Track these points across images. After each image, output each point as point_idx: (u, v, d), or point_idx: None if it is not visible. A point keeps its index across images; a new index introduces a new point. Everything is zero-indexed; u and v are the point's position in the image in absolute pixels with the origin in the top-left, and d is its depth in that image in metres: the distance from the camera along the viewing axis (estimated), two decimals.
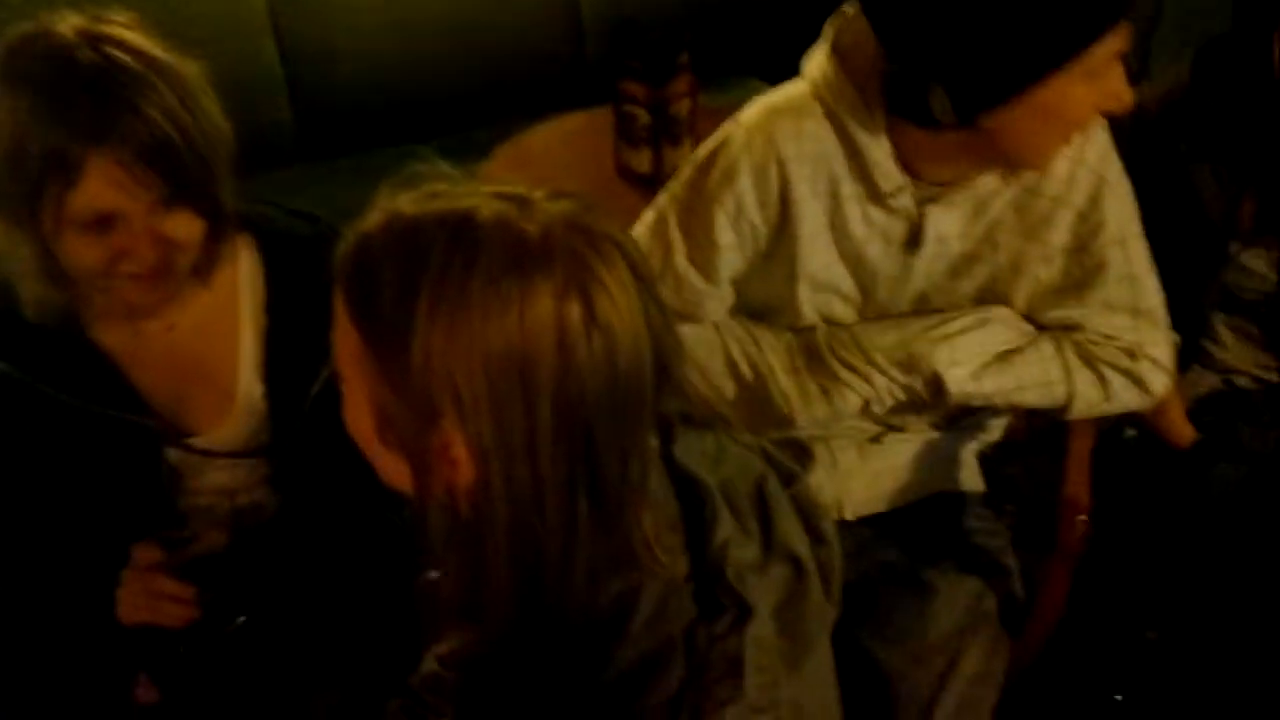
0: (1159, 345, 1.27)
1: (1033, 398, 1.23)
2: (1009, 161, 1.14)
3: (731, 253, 1.22)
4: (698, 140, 1.87)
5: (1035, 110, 1.05)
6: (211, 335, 1.13)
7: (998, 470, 1.51)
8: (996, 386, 1.21)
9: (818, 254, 1.21)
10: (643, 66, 1.87)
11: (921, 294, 1.26)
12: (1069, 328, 1.27)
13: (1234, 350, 1.49)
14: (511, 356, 0.68)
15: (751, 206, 1.19)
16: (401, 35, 2.50)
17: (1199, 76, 1.36)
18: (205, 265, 1.08)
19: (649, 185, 1.90)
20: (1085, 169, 1.20)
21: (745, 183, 1.18)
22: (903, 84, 1.07)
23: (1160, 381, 1.26)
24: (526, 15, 2.60)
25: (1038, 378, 1.22)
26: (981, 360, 1.20)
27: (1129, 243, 1.24)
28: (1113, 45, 1.02)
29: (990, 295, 1.25)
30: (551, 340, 0.68)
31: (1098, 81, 1.04)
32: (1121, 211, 1.23)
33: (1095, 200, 1.21)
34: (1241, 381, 1.50)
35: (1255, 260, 1.40)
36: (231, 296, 1.14)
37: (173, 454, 1.11)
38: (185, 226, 1.02)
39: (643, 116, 1.88)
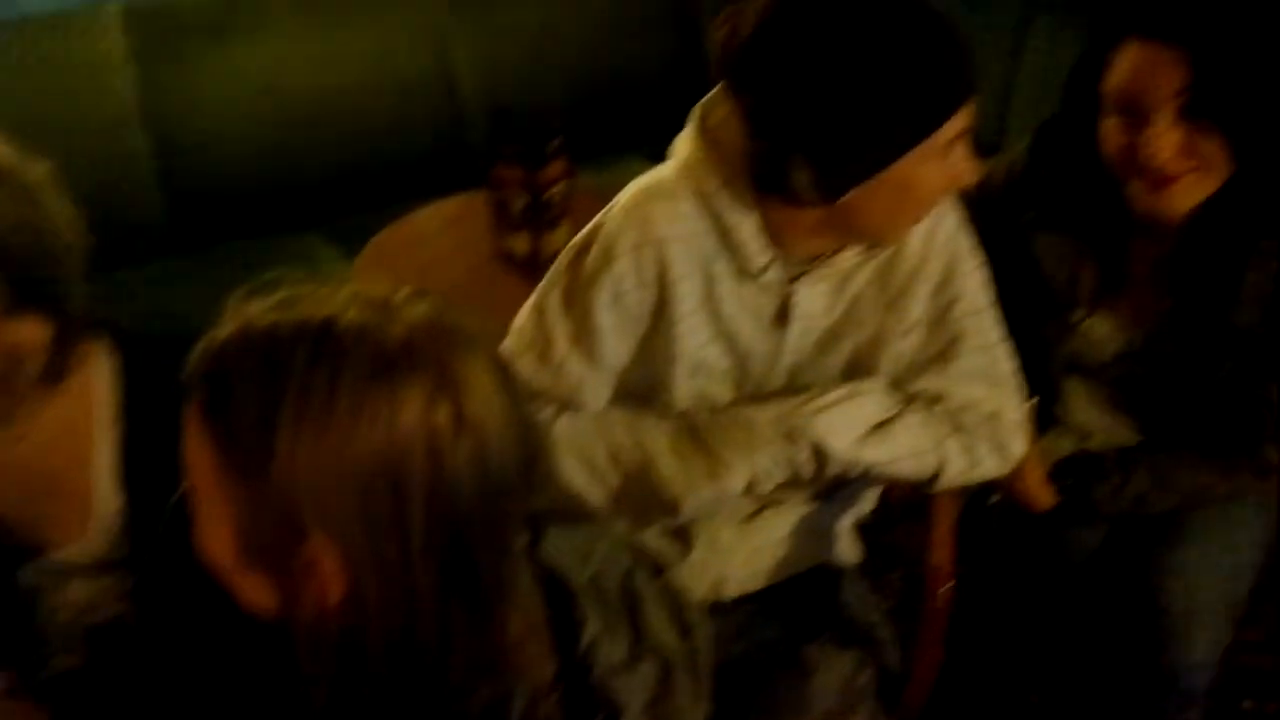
0: (1016, 411, 1.32)
1: (907, 469, 1.26)
2: (868, 236, 1.19)
3: (612, 336, 1.23)
4: (576, 223, 1.90)
5: (890, 187, 1.10)
6: (66, 444, 1.09)
7: (880, 538, 1.55)
8: (875, 457, 1.23)
9: (694, 333, 1.23)
10: (517, 152, 1.90)
11: (793, 370, 1.29)
12: (934, 397, 1.31)
13: (1086, 413, 1.55)
14: (381, 467, 0.67)
15: (630, 289, 1.20)
16: (277, 121, 2.48)
17: (1037, 153, 1.43)
18: (55, 371, 1.04)
19: (528, 269, 1.92)
20: (939, 244, 1.26)
21: (623, 265, 1.19)
22: (767, 162, 1.11)
23: (1019, 446, 1.31)
24: (404, 99, 2.60)
25: (910, 447, 1.25)
26: (859, 430, 1.23)
27: (983, 314, 1.30)
28: (958, 125, 1.09)
29: (857, 368, 1.29)
30: (421, 447, 0.67)
31: (945, 159, 1.11)
32: (975, 284, 1.29)
33: (949, 274, 1.27)
34: (1095, 444, 1.55)
35: (1098, 326, 1.46)
36: (86, 403, 1.09)
37: (29, 570, 1.07)
38: (31, 331, 0.99)
39: (518, 201, 1.91)
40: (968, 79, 1.08)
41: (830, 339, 1.27)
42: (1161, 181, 1.27)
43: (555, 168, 1.90)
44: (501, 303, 1.53)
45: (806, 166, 1.08)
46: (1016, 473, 1.35)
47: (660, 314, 1.22)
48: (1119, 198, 1.35)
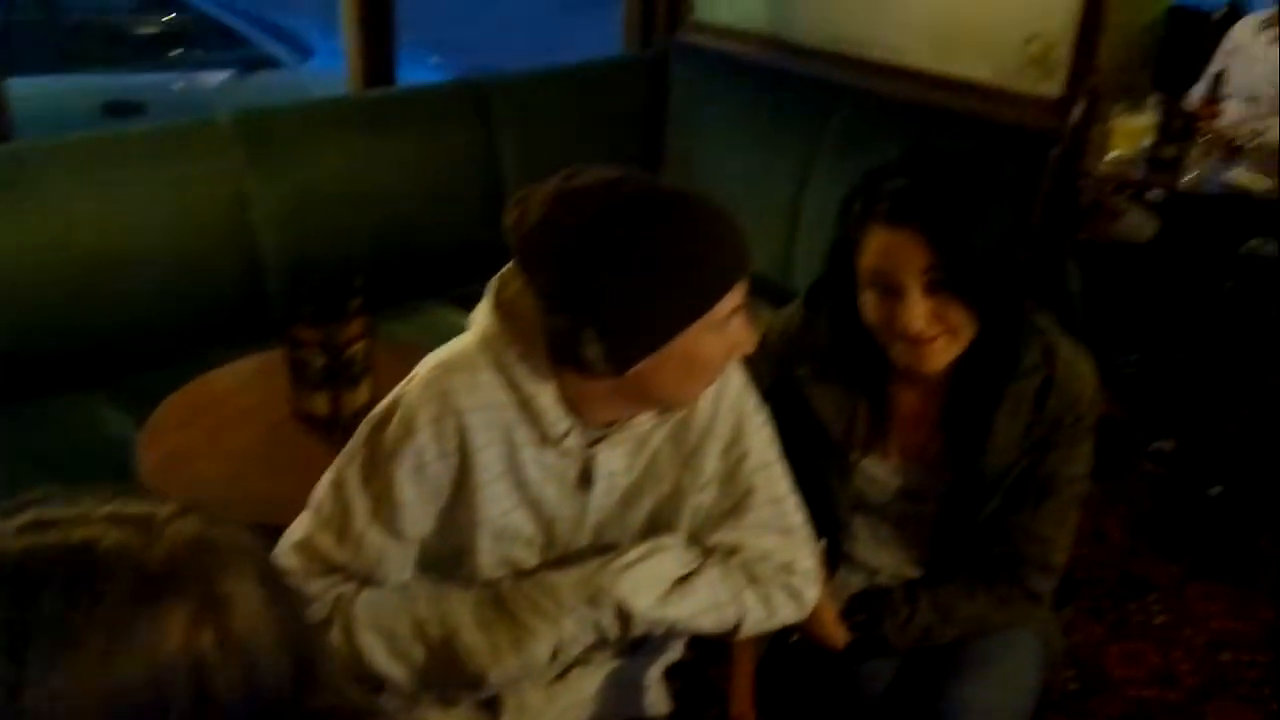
0: (807, 559, 1.37)
1: (708, 622, 1.28)
2: (659, 404, 1.23)
3: (414, 508, 1.22)
4: (377, 381, 1.89)
5: (675, 359, 1.15)
6: None
7: (694, 677, 1.55)
8: (677, 614, 1.25)
9: (497, 501, 1.23)
10: (315, 311, 1.87)
11: (597, 528, 1.30)
12: (730, 549, 1.34)
13: (872, 550, 1.62)
14: (143, 695, 0.64)
15: (432, 460, 1.20)
16: (66, 272, 2.37)
17: (808, 312, 1.53)
18: None
19: (328, 429, 1.88)
20: (726, 405, 1.31)
21: (424, 438, 1.19)
22: (560, 336, 1.14)
23: (813, 591, 1.36)
24: (203, 252, 2.54)
25: (710, 601, 1.27)
26: (661, 588, 1.25)
27: (771, 468, 1.35)
28: (733, 301, 1.16)
29: (658, 523, 1.32)
30: (185, 673, 0.65)
31: (724, 331, 1.17)
32: (761, 440, 1.34)
33: (738, 432, 1.32)
34: (883, 579, 1.62)
35: (874, 467, 1.55)
36: None
37: None
38: None
39: (317, 360, 1.87)
40: (739, 259, 1.16)
41: (632, 496, 1.30)
42: (917, 344, 1.38)
43: (355, 326, 1.87)
44: (301, 463, 1.50)
45: (596, 341, 1.12)
46: (812, 615, 1.39)
47: (462, 484, 1.22)
48: (882, 354, 1.45)
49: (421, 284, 2.79)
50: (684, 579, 1.27)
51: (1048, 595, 1.57)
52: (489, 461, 1.21)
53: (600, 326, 1.12)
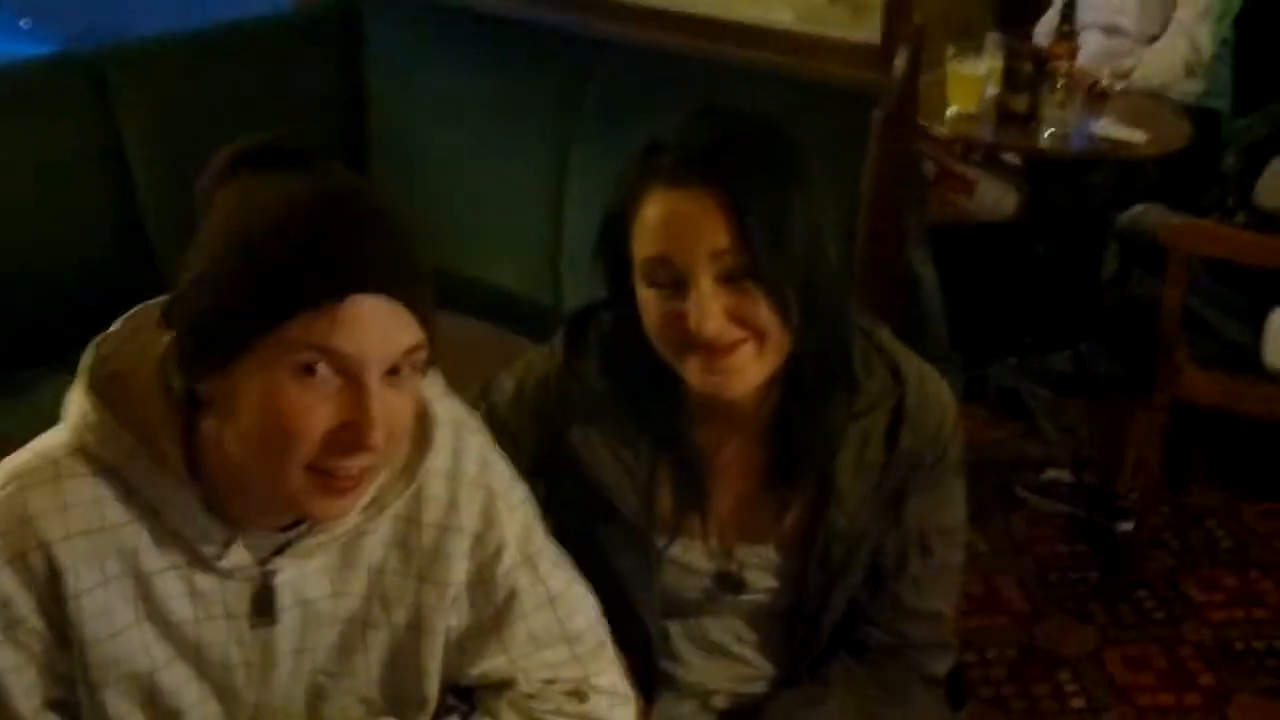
0: (605, 672, 1.36)
1: None
2: (266, 496, 1.15)
3: (19, 676, 1.17)
4: None
5: (250, 401, 1.09)
6: None
7: None
8: None
9: (136, 657, 1.18)
10: None
11: (310, 685, 1.26)
12: (500, 685, 1.32)
13: (700, 666, 1.59)
14: None
15: (23, 609, 1.15)
16: None
17: (572, 349, 1.50)
18: None
19: None
20: (466, 484, 1.28)
21: (6, 582, 1.14)
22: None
23: (623, 715, 1.35)
24: None
25: None
26: None
27: (536, 559, 1.33)
28: (316, 334, 1.08)
29: (397, 669, 1.28)
30: None
31: (312, 383, 1.08)
32: (519, 524, 1.32)
33: (487, 519, 1.29)
34: (720, 702, 1.60)
35: (688, 553, 1.52)
36: None
37: None
38: None
39: None
40: (338, 266, 1.06)
41: (355, 633, 1.26)
42: (713, 354, 1.35)
43: None
44: None
45: (176, 345, 1.12)
46: None
47: (71, 642, 1.16)
48: (679, 388, 1.42)
49: (21, 348, 2.64)
50: None
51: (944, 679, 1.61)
52: (106, 606, 1.16)
53: (177, 321, 1.11)
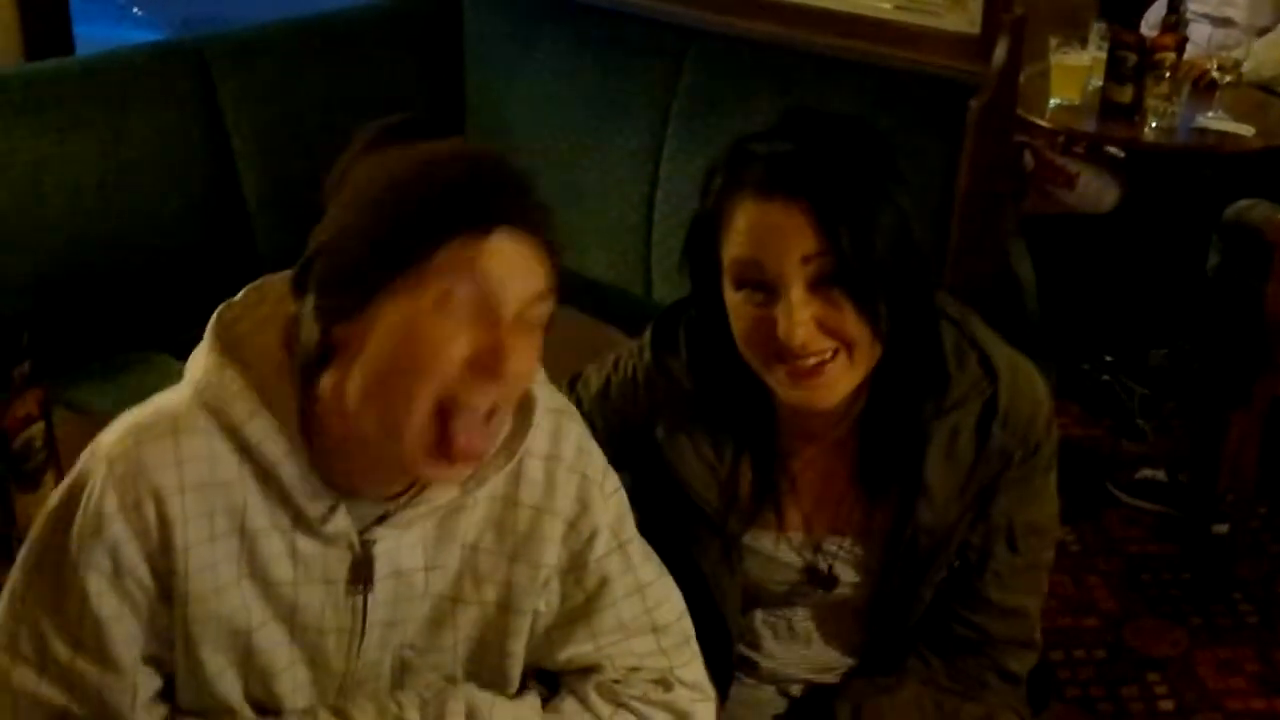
0: (690, 665, 1.36)
1: None
2: (395, 436, 1.15)
3: (121, 625, 1.19)
4: (62, 471, 1.79)
5: (391, 335, 1.13)
6: None
7: None
8: None
9: (235, 615, 1.20)
10: None
11: (396, 659, 1.28)
12: (586, 670, 1.34)
13: (780, 654, 1.61)
14: None
15: (133, 559, 1.17)
16: None
17: (659, 347, 1.52)
18: None
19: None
20: (564, 469, 1.30)
21: (119, 531, 1.16)
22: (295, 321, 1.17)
23: (705, 710, 1.35)
24: None
25: None
26: None
27: (628, 548, 1.34)
28: (470, 261, 1.14)
29: (485, 645, 1.30)
30: None
31: (455, 312, 1.13)
32: (613, 512, 1.33)
33: (582, 504, 1.31)
34: (797, 690, 1.61)
35: (771, 543, 1.53)
36: None
37: None
38: None
39: None
40: (477, 197, 1.13)
41: (443, 609, 1.28)
42: (803, 366, 1.35)
43: (24, 403, 1.77)
44: None
45: (312, 297, 1.14)
46: None
47: (173, 594, 1.19)
48: (764, 391, 1.43)
49: (122, 330, 2.70)
50: None
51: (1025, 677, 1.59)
52: (212, 560, 1.19)
53: (318, 270, 1.15)
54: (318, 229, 1.17)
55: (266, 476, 1.19)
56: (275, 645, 1.24)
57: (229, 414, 1.18)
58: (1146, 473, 3.25)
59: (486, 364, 1.12)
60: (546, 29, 3.09)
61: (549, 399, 1.30)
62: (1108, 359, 3.60)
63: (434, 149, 1.17)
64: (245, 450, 1.18)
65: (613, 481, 1.35)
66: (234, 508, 1.19)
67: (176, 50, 2.93)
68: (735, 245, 1.36)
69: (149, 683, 1.23)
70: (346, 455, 1.19)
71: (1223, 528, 3.03)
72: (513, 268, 1.13)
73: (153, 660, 1.23)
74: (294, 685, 1.26)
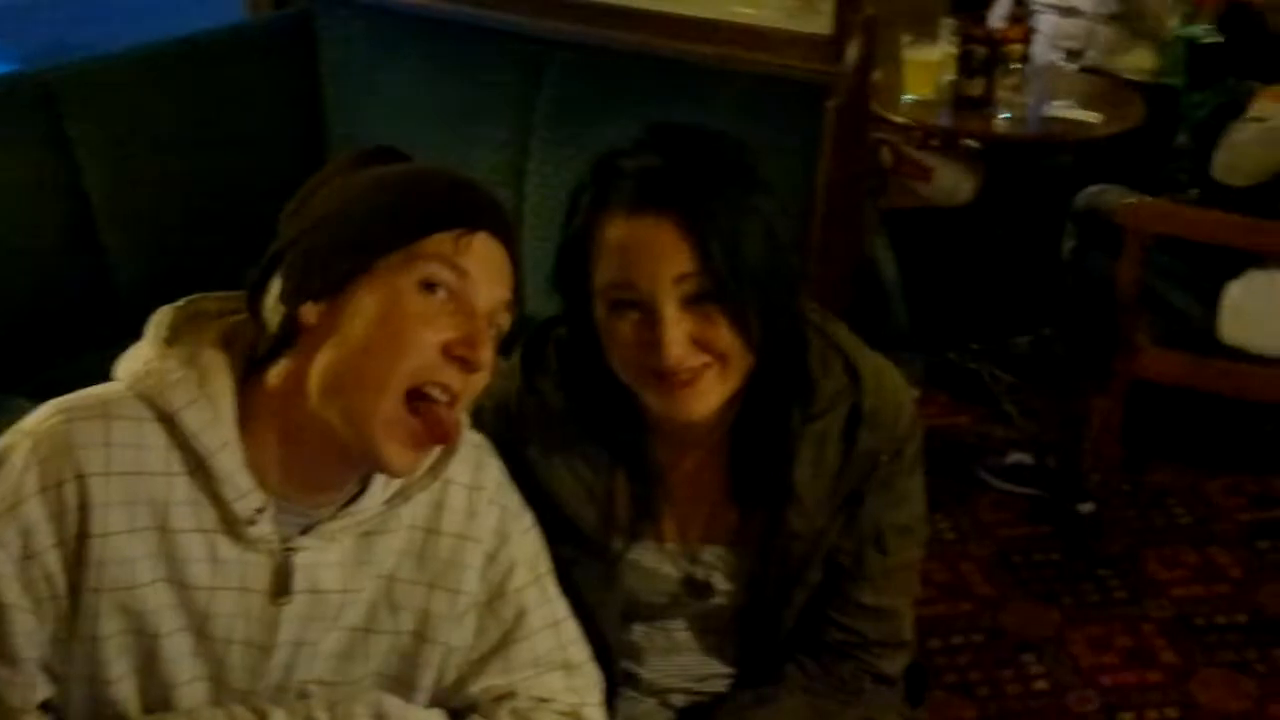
0: (598, 708, 1.39)
1: None
2: (352, 415, 1.17)
3: (23, 617, 1.16)
4: None
5: (366, 314, 1.17)
6: None
7: None
8: None
9: (146, 617, 1.18)
10: None
11: (299, 692, 1.26)
12: (499, 698, 1.34)
13: (660, 666, 1.62)
14: None
15: (44, 544, 1.15)
16: None
17: (529, 369, 1.51)
18: None
19: None
20: (485, 499, 1.32)
21: (34, 511, 1.14)
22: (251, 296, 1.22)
23: None
24: None
25: None
26: None
27: (545, 581, 1.37)
28: (450, 253, 1.21)
29: (392, 682, 1.30)
30: None
31: (432, 297, 1.18)
32: (532, 546, 1.37)
33: (502, 535, 1.34)
34: (676, 700, 1.63)
35: (649, 557, 1.54)
36: None
37: None
38: None
39: None
40: (463, 202, 1.22)
41: (358, 639, 1.28)
42: (677, 381, 1.35)
43: None
44: None
45: (280, 279, 1.19)
46: None
47: (84, 588, 1.16)
48: (635, 405, 1.43)
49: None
50: None
51: (899, 677, 1.62)
52: (130, 554, 1.16)
53: (289, 258, 1.19)
54: (284, 232, 1.22)
55: (198, 469, 1.18)
56: (181, 656, 1.22)
57: (167, 401, 1.17)
58: (1015, 457, 3.33)
59: (462, 351, 1.17)
60: (402, 44, 3.07)
61: (470, 432, 1.32)
62: (974, 347, 3.68)
63: (417, 164, 1.26)
64: (179, 440, 1.17)
65: (529, 517, 1.38)
66: (158, 502, 1.17)
67: (22, 81, 2.86)
68: (606, 266, 1.35)
69: (43, 681, 1.20)
70: (286, 454, 1.19)
71: (1088, 507, 3.12)
72: (491, 270, 1.20)
73: (45, 668, 1.20)
74: (192, 702, 1.24)
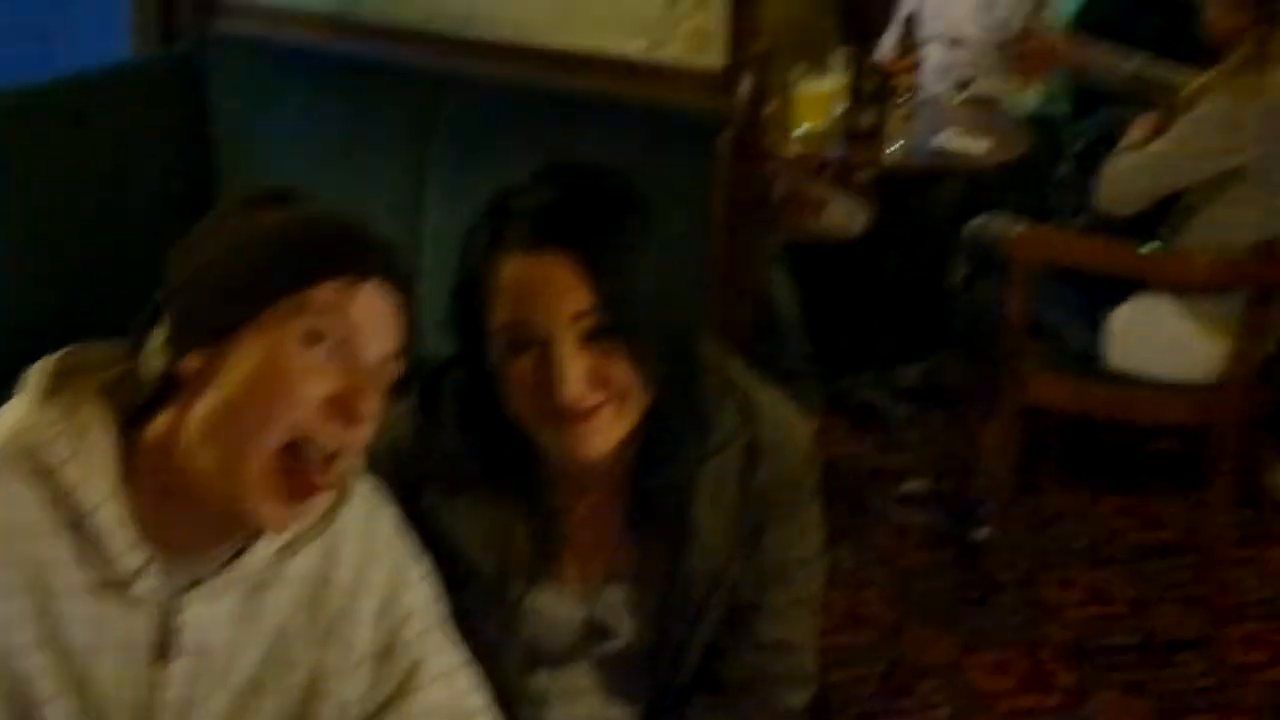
0: None
1: None
2: (226, 477, 1.15)
3: None
4: None
5: (249, 367, 1.15)
6: None
7: None
8: None
9: (20, 685, 1.15)
10: None
11: None
12: None
13: (563, 713, 1.60)
14: None
15: None
16: None
17: (425, 413, 1.49)
18: None
19: None
20: (379, 547, 1.31)
21: None
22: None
23: None
24: None
25: None
26: None
27: (438, 632, 1.36)
28: (338, 306, 1.19)
29: None
30: None
31: (313, 355, 1.16)
32: (425, 595, 1.35)
33: (395, 585, 1.32)
34: None
35: (549, 602, 1.52)
36: None
37: None
38: None
39: None
40: (353, 251, 1.19)
41: (248, 700, 1.25)
42: (575, 420, 1.35)
43: None
44: None
45: (166, 326, 1.17)
46: None
47: None
48: (530, 445, 1.43)
49: None
50: None
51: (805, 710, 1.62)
52: (3, 619, 1.14)
53: (174, 305, 1.17)
54: (170, 278, 1.19)
55: (79, 524, 1.15)
56: (63, 717, 1.18)
57: (46, 456, 1.14)
58: (911, 485, 3.37)
59: (343, 406, 1.15)
60: (290, 83, 3.04)
61: (363, 479, 1.31)
62: (870, 375, 3.73)
63: (306, 209, 1.22)
64: (59, 496, 1.14)
65: (424, 565, 1.36)
66: (32, 561, 1.14)
67: None
68: (503, 306, 1.35)
69: None
70: (169, 507, 1.17)
71: (983, 533, 3.16)
72: (379, 320, 1.18)
73: None
74: None
